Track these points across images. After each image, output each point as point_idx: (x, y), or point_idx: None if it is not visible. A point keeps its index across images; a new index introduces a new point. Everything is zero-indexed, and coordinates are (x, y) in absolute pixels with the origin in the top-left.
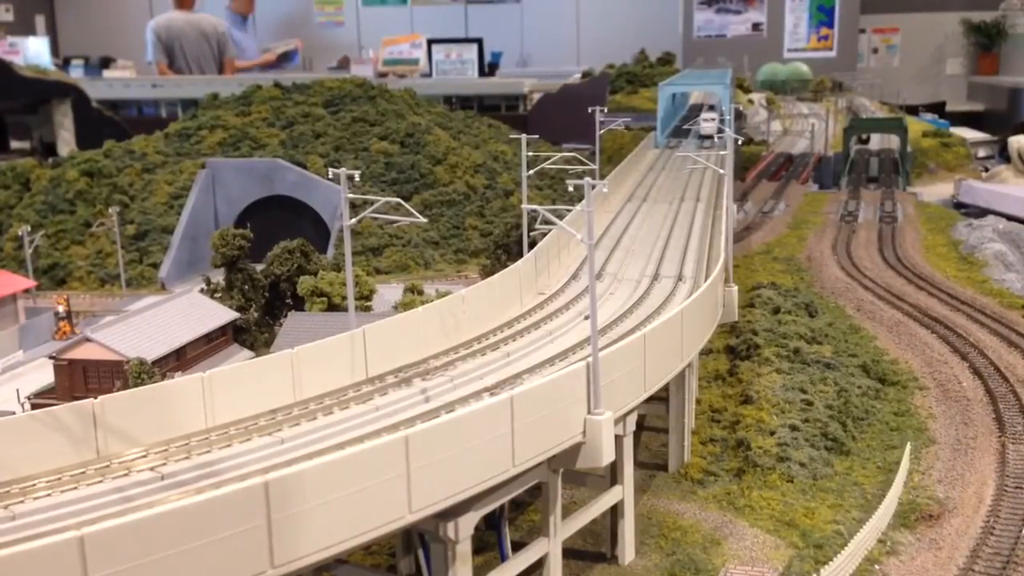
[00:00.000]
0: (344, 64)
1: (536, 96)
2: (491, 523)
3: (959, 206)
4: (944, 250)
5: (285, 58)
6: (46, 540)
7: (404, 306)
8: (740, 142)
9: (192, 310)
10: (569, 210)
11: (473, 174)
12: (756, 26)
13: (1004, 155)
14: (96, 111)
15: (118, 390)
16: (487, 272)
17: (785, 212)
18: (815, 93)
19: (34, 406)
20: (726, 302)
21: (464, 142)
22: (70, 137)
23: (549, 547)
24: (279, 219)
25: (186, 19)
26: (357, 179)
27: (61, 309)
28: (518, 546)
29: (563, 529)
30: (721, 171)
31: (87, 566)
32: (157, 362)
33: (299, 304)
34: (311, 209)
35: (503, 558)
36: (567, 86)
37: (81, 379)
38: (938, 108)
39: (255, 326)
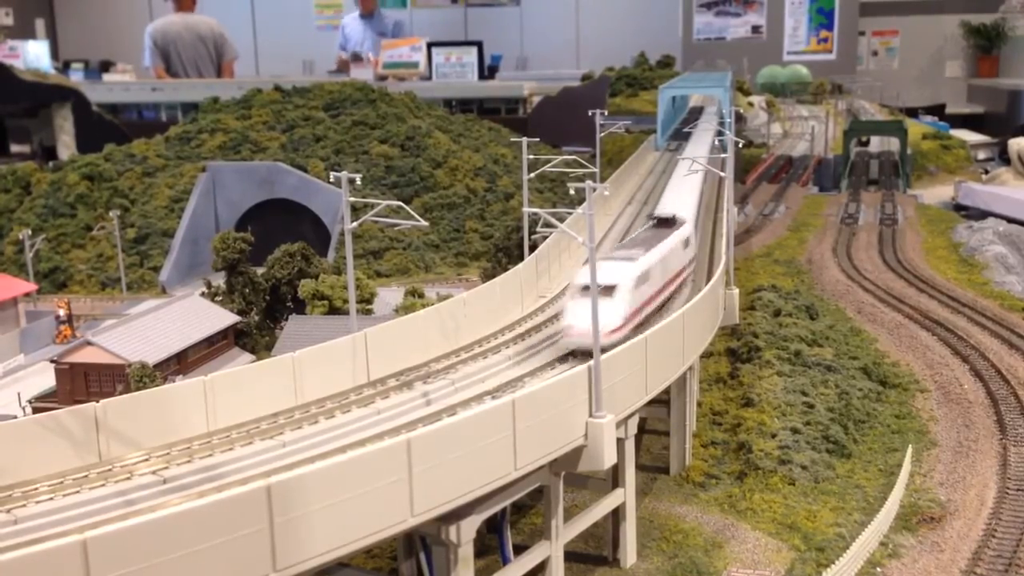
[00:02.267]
0: (344, 67)
1: (536, 99)
2: (493, 526)
3: (959, 208)
4: (944, 252)
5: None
6: (49, 544)
7: (405, 309)
8: (740, 145)
9: (193, 313)
10: (570, 213)
11: (473, 177)
12: (756, 29)
13: (1004, 157)
14: (96, 115)
15: (119, 394)
16: (488, 275)
17: (785, 215)
18: (815, 96)
19: (35, 410)
20: (727, 305)
21: (464, 145)
22: (70, 141)
23: (551, 550)
24: (279, 222)
25: (183, 22)
26: (358, 182)
27: (62, 313)
28: (520, 549)
29: (565, 532)
30: (722, 174)
31: (90, 570)
32: (158, 365)
33: (300, 307)
34: (311, 212)
35: (505, 561)
36: (567, 89)
37: (82, 383)
38: (938, 110)
39: (256, 329)
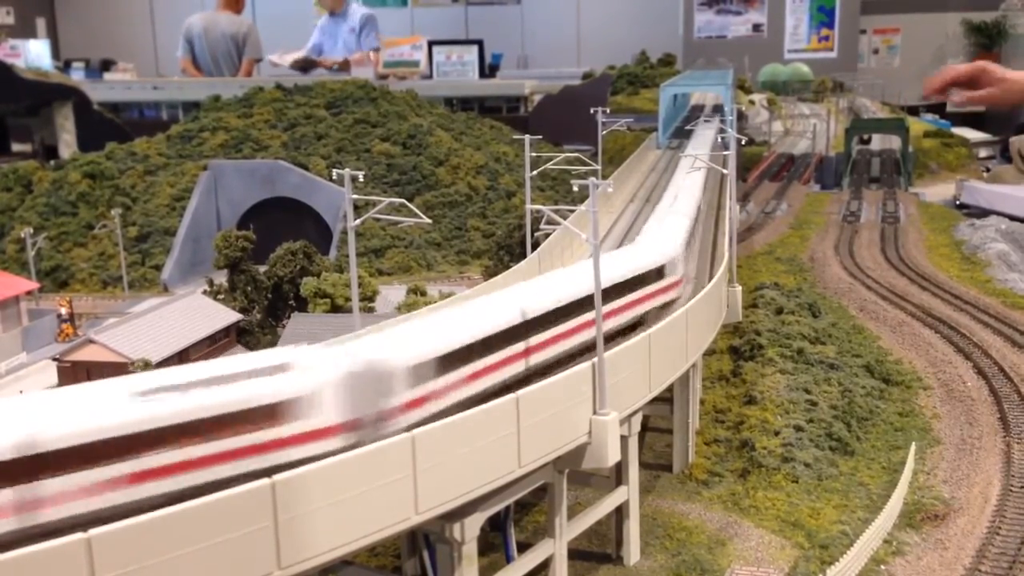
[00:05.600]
0: (345, 66)
1: (537, 97)
2: (496, 524)
3: (961, 206)
4: (947, 250)
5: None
6: (54, 542)
7: (407, 307)
8: (742, 143)
9: (195, 312)
10: (572, 210)
11: (475, 175)
12: (757, 27)
13: (1005, 155)
14: (97, 113)
15: None
16: (490, 273)
17: (787, 212)
18: (816, 94)
19: None
20: (730, 303)
21: (466, 143)
22: (71, 139)
23: (555, 548)
24: (281, 221)
25: (208, 18)
26: (360, 180)
27: (64, 311)
28: (523, 547)
29: (568, 530)
30: (724, 171)
31: (94, 567)
32: (160, 364)
33: (302, 305)
34: (313, 211)
35: (508, 559)
36: (568, 87)
37: (85, 381)
38: (939, 108)
39: (258, 327)
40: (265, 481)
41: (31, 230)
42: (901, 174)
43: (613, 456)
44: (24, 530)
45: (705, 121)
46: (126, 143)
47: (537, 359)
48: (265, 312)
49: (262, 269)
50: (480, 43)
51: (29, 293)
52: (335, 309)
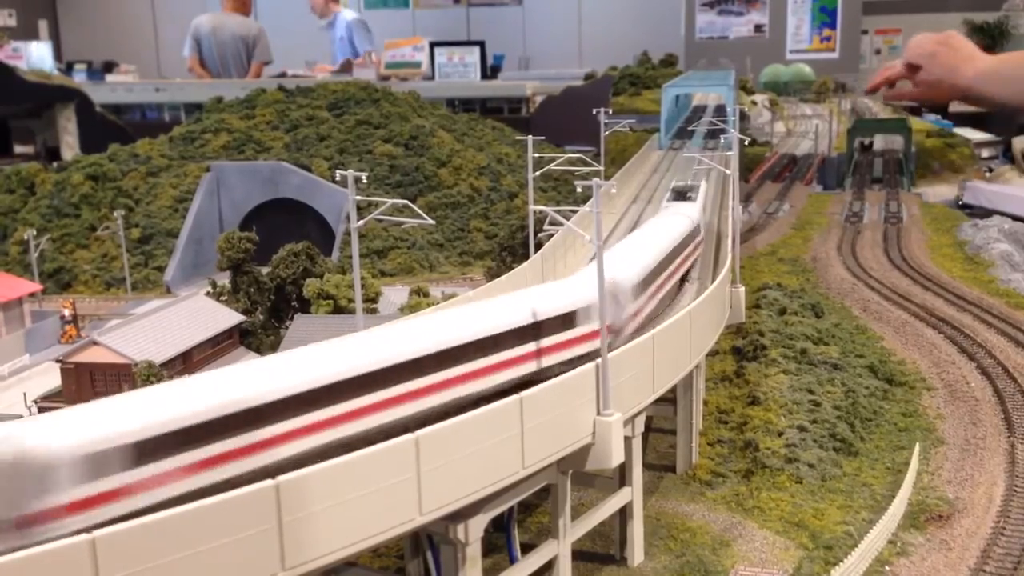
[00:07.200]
0: (346, 67)
1: (539, 98)
2: (500, 525)
3: (964, 207)
4: (950, 250)
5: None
6: (58, 543)
7: (410, 308)
8: (744, 143)
9: (198, 313)
10: (574, 211)
11: (477, 176)
12: (758, 28)
13: (1008, 155)
14: (99, 115)
15: None
16: (492, 274)
17: (789, 213)
18: (818, 94)
19: (41, 410)
20: (733, 303)
21: (468, 144)
22: (74, 141)
23: (558, 549)
24: (284, 222)
25: (217, 19)
26: (363, 181)
27: (67, 313)
28: (527, 548)
29: (572, 531)
30: (727, 171)
31: (99, 569)
32: (164, 365)
33: (305, 307)
34: (315, 212)
35: (512, 560)
36: (570, 88)
37: (88, 382)
38: (941, 109)
39: (261, 329)
40: (269, 482)
41: (34, 232)
42: (903, 174)
43: (617, 457)
44: None
45: (677, 198)
46: (128, 145)
47: (328, 436)
48: (268, 313)
49: (265, 270)
50: (482, 44)
51: (32, 295)
52: (338, 310)
